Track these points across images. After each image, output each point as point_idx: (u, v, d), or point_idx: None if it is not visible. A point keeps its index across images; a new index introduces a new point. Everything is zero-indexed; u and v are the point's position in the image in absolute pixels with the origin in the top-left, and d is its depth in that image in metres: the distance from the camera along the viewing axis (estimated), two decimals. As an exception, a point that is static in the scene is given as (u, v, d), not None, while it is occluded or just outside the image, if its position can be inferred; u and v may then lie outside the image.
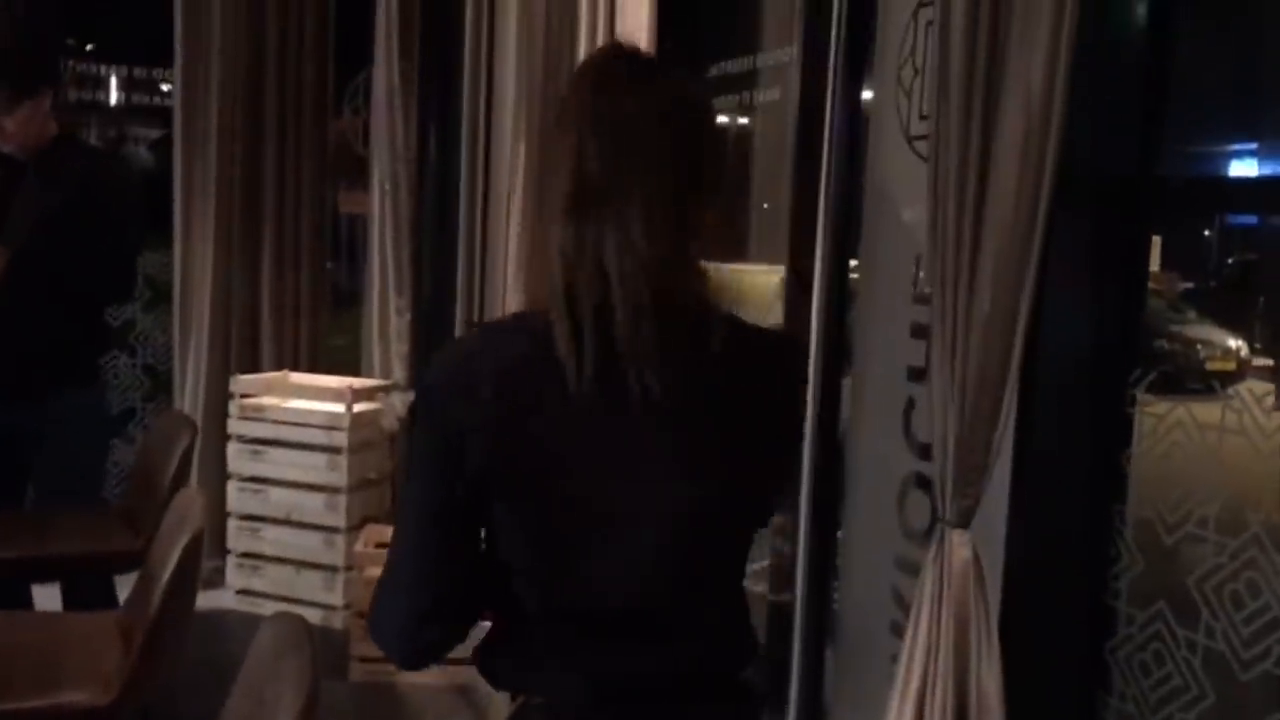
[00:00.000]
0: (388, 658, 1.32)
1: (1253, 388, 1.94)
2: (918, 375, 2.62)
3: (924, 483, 2.62)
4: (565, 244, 1.18)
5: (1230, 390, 1.97)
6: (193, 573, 2.12)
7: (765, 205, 3.74)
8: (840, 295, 2.89)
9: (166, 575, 2.01)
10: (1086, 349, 2.05)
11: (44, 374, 3.09)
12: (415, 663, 1.31)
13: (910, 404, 2.64)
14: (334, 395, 4.42)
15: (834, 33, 2.79)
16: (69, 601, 3.02)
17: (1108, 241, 2.04)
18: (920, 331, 2.64)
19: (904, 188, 2.68)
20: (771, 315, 3.64)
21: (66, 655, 2.13)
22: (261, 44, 4.88)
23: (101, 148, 4.01)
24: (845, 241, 2.85)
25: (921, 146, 2.63)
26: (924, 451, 2.63)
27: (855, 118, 2.81)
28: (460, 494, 1.22)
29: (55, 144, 3.25)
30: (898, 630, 2.72)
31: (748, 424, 1.25)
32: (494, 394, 1.19)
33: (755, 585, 3.69)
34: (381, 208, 4.78)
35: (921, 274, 2.57)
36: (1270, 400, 1.87)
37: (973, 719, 1.89)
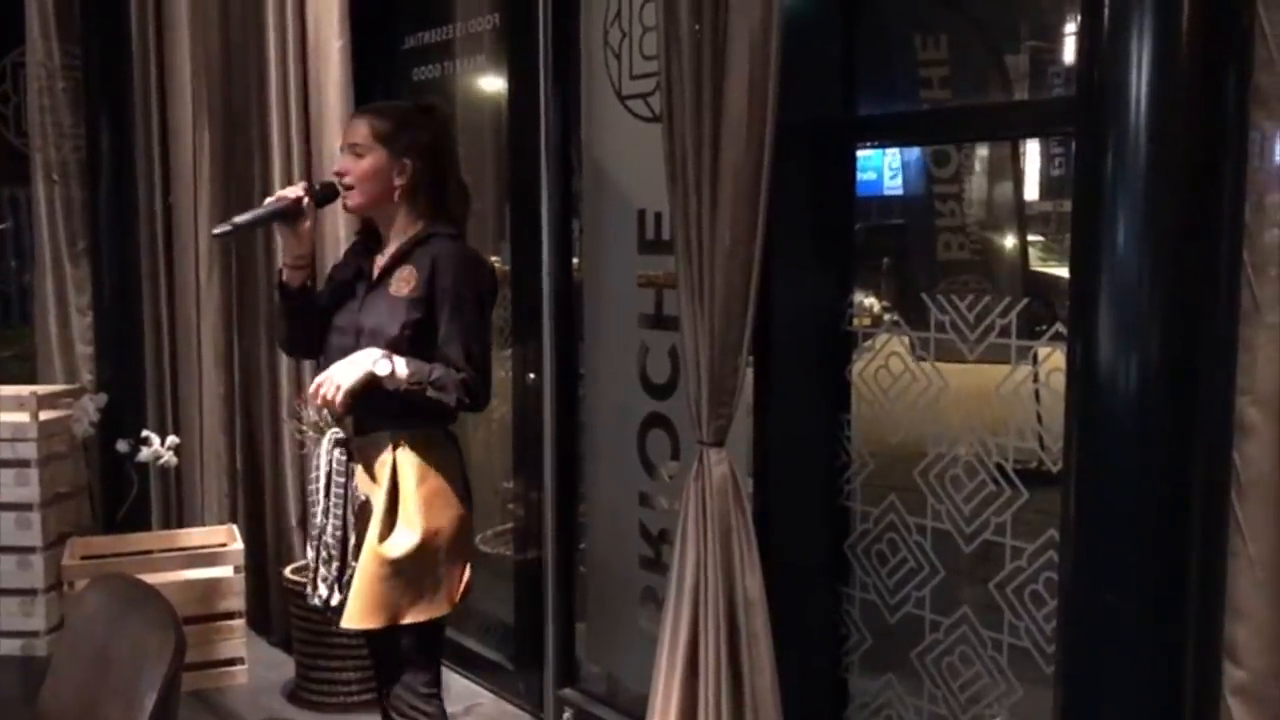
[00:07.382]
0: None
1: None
2: (649, 322, 2.79)
3: (662, 421, 2.79)
4: None
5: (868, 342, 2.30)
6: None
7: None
8: (568, 256, 3.00)
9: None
10: (811, 276, 2.26)
11: None
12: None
13: (644, 350, 2.80)
14: (15, 404, 4.05)
15: None
16: None
17: (821, 175, 2.27)
18: (648, 281, 2.82)
19: (620, 147, 2.83)
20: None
21: None
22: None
23: None
24: (569, 201, 2.96)
25: (634, 105, 2.79)
26: (659, 392, 2.80)
27: (567, 82, 2.92)
28: None
29: None
30: (646, 563, 2.90)
31: None
32: None
33: (498, 548, 3.76)
34: (50, 200, 4.42)
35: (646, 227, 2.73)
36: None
37: (741, 618, 2.07)
